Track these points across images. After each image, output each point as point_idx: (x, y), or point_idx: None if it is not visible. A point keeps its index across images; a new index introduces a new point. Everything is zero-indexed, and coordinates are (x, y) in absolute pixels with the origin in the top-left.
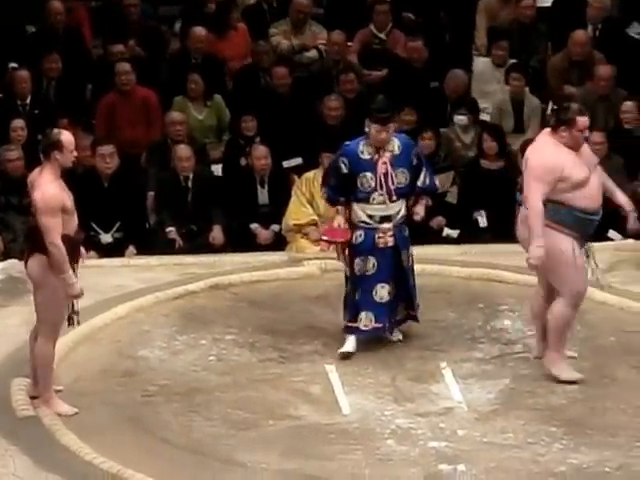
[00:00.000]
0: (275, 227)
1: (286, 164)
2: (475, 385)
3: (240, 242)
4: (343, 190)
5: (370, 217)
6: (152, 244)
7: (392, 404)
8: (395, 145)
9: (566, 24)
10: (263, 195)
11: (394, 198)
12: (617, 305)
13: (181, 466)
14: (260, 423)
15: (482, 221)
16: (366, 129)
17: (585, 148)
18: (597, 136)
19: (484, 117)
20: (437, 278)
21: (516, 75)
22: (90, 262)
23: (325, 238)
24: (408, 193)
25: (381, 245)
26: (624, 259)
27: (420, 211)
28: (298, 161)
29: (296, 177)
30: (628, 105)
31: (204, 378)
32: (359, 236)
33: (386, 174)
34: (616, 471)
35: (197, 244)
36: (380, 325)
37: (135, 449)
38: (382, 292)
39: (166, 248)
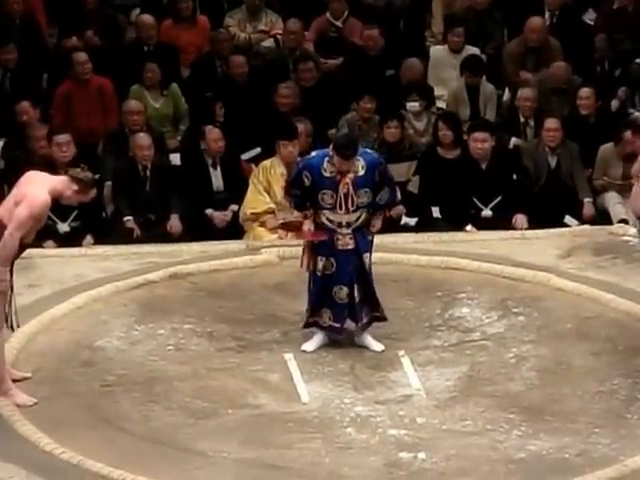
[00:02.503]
0: (234, 207)
1: (245, 156)
2: (433, 373)
3: (198, 231)
4: (308, 199)
5: (330, 221)
6: (110, 233)
7: (351, 392)
8: (359, 166)
9: (522, 11)
10: (217, 179)
11: (353, 210)
12: (574, 291)
13: (141, 455)
14: (219, 412)
15: (435, 211)
16: (330, 152)
17: None
18: (552, 123)
19: (440, 104)
20: (395, 266)
21: (469, 74)
22: (48, 252)
23: (304, 239)
24: (370, 207)
25: (340, 247)
26: (581, 245)
27: (377, 224)
28: (257, 151)
29: (253, 166)
30: (585, 92)
31: (163, 368)
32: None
33: (347, 195)
34: (575, 457)
35: (155, 233)
36: (337, 325)
37: (94, 439)
38: (341, 294)
39: (124, 237)
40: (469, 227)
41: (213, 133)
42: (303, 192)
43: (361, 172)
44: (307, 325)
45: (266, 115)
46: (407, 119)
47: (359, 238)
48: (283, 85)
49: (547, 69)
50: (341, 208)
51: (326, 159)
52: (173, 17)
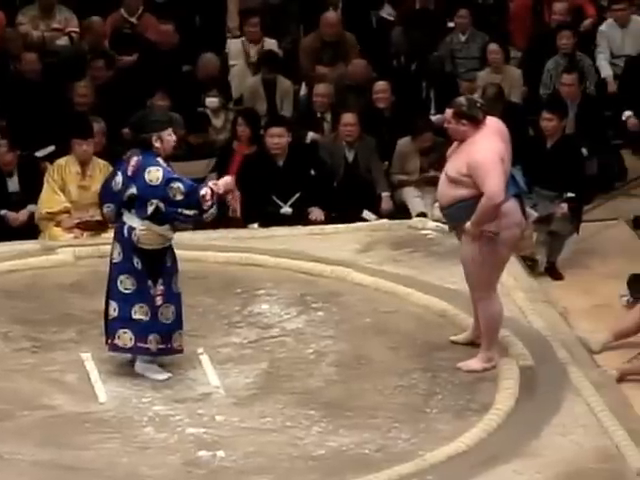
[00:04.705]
0: (32, 207)
1: (39, 153)
2: (233, 370)
3: None
4: None
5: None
6: None
7: (150, 391)
8: None
9: (317, 5)
10: (13, 183)
11: None
12: (372, 286)
13: None
14: (14, 414)
15: (232, 209)
16: (156, 144)
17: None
18: (348, 117)
19: None
20: (193, 263)
21: (266, 69)
22: None
23: None
24: None
25: None
26: (379, 239)
27: None
28: (51, 149)
29: (48, 165)
30: (381, 85)
31: None
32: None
33: None
34: (375, 453)
35: None
36: (163, 346)
37: None
38: (168, 313)
39: None
40: (255, 225)
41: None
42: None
43: None
44: (139, 352)
45: (61, 113)
46: (206, 116)
47: None
48: (80, 84)
49: (343, 63)
50: None
51: (159, 160)
52: None
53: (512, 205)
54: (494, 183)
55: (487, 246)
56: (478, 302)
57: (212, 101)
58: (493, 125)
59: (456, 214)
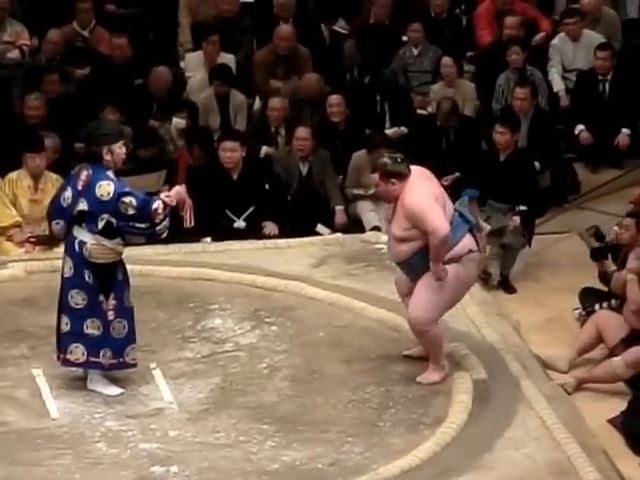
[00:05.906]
0: None
1: None
2: (186, 385)
3: None
4: None
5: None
6: None
7: (102, 407)
8: None
9: (270, 18)
10: None
11: None
12: (326, 300)
13: None
14: None
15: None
16: (107, 157)
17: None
18: (302, 132)
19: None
20: (146, 278)
21: (218, 83)
22: None
23: None
24: None
25: None
26: (333, 253)
27: None
28: None
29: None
30: (335, 99)
31: None
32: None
33: None
34: (329, 467)
35: None
36: (115, 361)
37: None
38: (119, 327)
39: None
40: (208, 239)
41: None
42: None
43: None
44: (92, 366)
45: (12, 127)
46: (169, 134)
47: None
48: (32, 97)
49: (297, 77)
50: None
51: (110, 173)
52: None
53: (468, 240)
54: (434, 218)
55: (451, 280)
56: (424, 334)
57: (180, 122)
58: (417, 170)
59: (418, 264)
